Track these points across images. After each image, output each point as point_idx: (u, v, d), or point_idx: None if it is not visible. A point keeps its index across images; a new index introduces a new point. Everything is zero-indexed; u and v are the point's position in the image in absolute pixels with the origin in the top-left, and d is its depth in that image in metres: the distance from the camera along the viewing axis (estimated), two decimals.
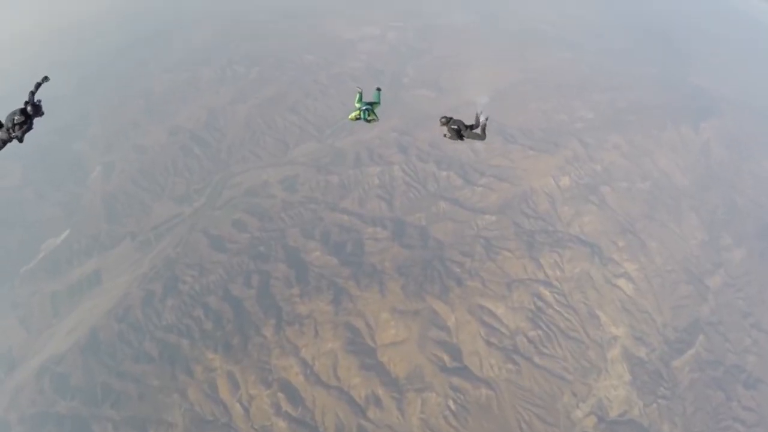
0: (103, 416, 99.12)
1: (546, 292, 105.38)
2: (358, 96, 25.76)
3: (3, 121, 16.59)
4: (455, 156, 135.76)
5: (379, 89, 27.10)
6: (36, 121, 17.09)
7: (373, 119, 25.16)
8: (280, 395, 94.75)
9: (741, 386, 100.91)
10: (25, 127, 16.53)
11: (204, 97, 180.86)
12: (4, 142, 16.64)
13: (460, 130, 25.02)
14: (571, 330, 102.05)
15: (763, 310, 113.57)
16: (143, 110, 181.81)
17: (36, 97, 16.79)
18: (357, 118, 25.05)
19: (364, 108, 24.95)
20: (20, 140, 16.78)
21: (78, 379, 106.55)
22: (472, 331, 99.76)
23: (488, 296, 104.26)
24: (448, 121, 25.13)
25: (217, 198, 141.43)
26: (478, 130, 25.09)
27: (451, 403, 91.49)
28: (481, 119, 24.93)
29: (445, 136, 25.71)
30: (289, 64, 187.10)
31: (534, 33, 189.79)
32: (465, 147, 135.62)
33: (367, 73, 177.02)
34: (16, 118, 16.24)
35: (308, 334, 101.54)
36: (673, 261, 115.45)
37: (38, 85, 17.27)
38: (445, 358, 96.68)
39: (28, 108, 16.41)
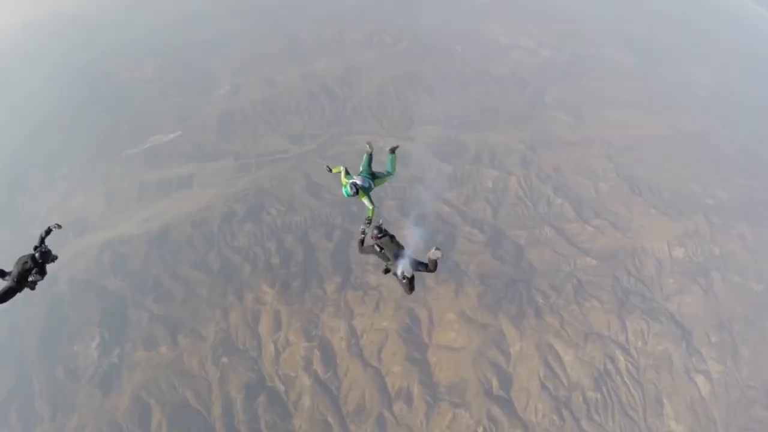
0: (143, 305, 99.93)
1: (621, 358, 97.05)
2: (365, 159, 20.20)
3: (12, 269, 15.91)
4: (575, 188, 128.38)
5: (393, 150, 21.33)
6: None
7: (369, 207, 19.55)
8: (317, 353, 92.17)
9: None
10: (37, 276, 15.91)
11: (345, 54, 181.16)
12: (14, 292, 15.92)
13: (386, 254, 19.34)
14: (631, 408, 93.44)
15: None
16: (284, 49, 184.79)
17: (45, 245, 16.36)
18: (351, 196, 19.08)
19: (359, 182, 19.23)
20: (32, 288, 16.25)
21: (135, 264, 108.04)
22: (532, 367, 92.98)
23: (562, 339, 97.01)
24: (382, 234, 19.38)
25: (328, 149, 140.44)
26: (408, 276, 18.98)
27: (480, 430, 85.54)
28: (433, 256, 18.62)
29: (362, 244, 20.22)
30: (438, 49, 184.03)
31: (688, 93, 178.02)
32: (588, 183, 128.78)
33: (511, 81, 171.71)
34: (27, 266, 15.73)
35: (368, 305, 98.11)
36: (759, 378, 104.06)
37: (49, 231, 16.99)
38: (494, 383, 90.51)
39: (37, 255, 15.91)
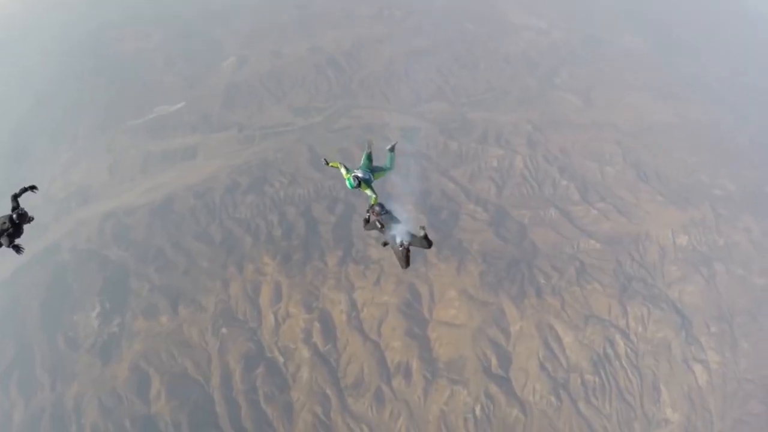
0: (144, 275, 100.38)
1: (620, 342, 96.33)
2: (365, 155, 20.81)
3: None
4: (581, 170, 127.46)
5: (392, 149, 21.94)
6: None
7: (371, 195, 20.16)
8: (316, 325, 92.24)
9: None
10: (12, 238, 16.46)
11: (354, 28, 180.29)
12: None
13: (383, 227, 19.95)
14: (628, 393, 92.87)
15: None
16: (292, 20, 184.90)
17: (21, 207, 16.72)
18: (354, 187, 19.93)
19: (361, 175, 19.96)
20: (16, 249, 16.67)
21: (138, 234, 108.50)
22: (532, 347, 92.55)
23: (562, 320, 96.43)
24: (383, 211, 20.03)
25: (333, 122, 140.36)
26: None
27: (478, 408, 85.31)
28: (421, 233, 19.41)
29: (367, 222, 20.68)
30: (448, 26, 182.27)
31: (701, 81, 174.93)
32: (595, 167, 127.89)
33: (521, 61, 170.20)
34: (5, 227, 16.23)
35: (369, 279, 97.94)
36: (756, 372, 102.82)
37: (23, 191, 17.22)
38: (493, 361, 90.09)
39: (14, 216, 16.27)
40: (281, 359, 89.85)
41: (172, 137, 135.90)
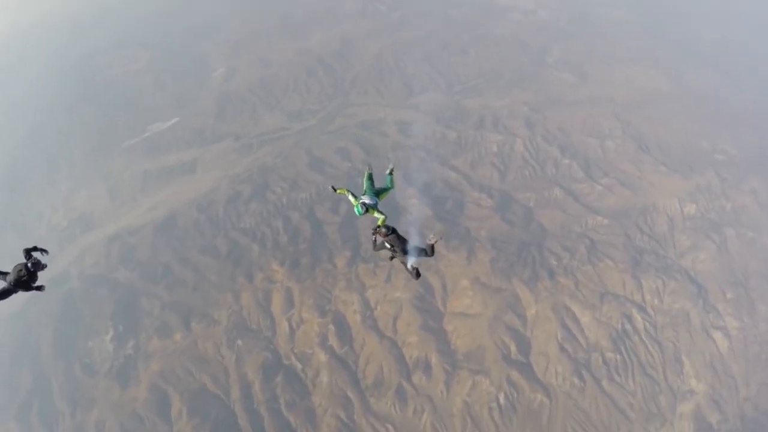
0: (154, 294, 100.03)
1: (638, 317, 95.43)
2: (366, 177, 21.71)
3: (10, 274, 17.43)
4: (582, 147, 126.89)
5: (391, 172, 23.02)
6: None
7: (379, 217, 20.75)
8: (331, 328, 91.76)
9: None
10: (28, 284, 17.43)
11: (340, 26, 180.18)
12: (8, 293, 17.54)
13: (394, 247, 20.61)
14: (651, 367, 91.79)
15: None
16: (277, 26, 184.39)
17: (35, 257, 17.52)
18: (363, 214, 20.24)
19: (368, 201, 20.21)
20: (38, 288, 17.86)
21: (144, 253, 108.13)
22: (550, 330, 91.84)
23: (577, 300, 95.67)
24: (389, 232, 20.50)
25: (328, 123, 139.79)
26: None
27: (501, 396, 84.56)
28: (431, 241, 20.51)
29: (375, 243, 21.18)
30: (434, 15, 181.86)
31: (694, 47, 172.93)
32: (595, 142, 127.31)
33: (510, 44, 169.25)
34: (21, 274, 17.11)
35: (380, 277, 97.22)
36: None
37: (36, 249, 17.96)
38: (512, 348, 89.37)
39: (29, 264, 17.14)
40: (299, 365, 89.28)
41: (169, 154, 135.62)
